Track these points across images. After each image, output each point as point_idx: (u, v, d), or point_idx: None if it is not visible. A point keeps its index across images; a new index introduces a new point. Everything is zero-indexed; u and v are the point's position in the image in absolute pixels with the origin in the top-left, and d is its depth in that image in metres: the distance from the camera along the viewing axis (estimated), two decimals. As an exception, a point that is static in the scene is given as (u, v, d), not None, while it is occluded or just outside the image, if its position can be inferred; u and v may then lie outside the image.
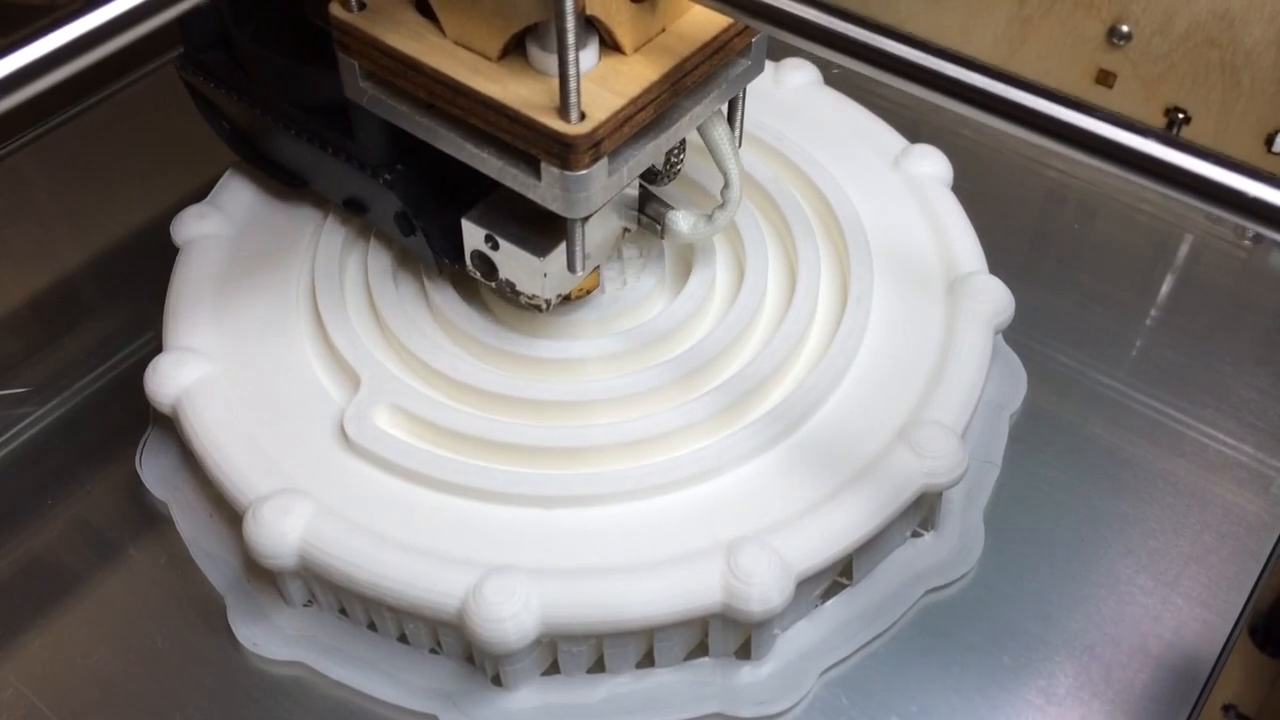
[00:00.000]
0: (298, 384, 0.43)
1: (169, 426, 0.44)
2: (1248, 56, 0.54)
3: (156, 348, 0.44)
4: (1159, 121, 0.58)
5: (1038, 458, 0.45)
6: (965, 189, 0.49)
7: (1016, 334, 0.48)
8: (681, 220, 0.42)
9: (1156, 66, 0.57)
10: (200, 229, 0.47)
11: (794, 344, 0.42)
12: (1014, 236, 0.54)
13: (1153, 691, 0.39)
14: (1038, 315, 0.50)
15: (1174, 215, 0.56)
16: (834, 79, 0.55)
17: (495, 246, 0.40)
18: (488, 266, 0.41)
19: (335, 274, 0.45)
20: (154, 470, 0.45)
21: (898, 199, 0.49)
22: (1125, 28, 0.57)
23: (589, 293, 0.43)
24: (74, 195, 0.57)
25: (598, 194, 0.36)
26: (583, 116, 0.34)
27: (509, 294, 0.41)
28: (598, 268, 0.43)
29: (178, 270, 0.46)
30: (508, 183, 0.37)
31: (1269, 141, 0.56)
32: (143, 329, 0.49)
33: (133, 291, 0.51)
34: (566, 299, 0.42)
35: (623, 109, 0.35)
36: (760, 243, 0.46)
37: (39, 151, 0.59)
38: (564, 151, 0.34)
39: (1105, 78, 0.59)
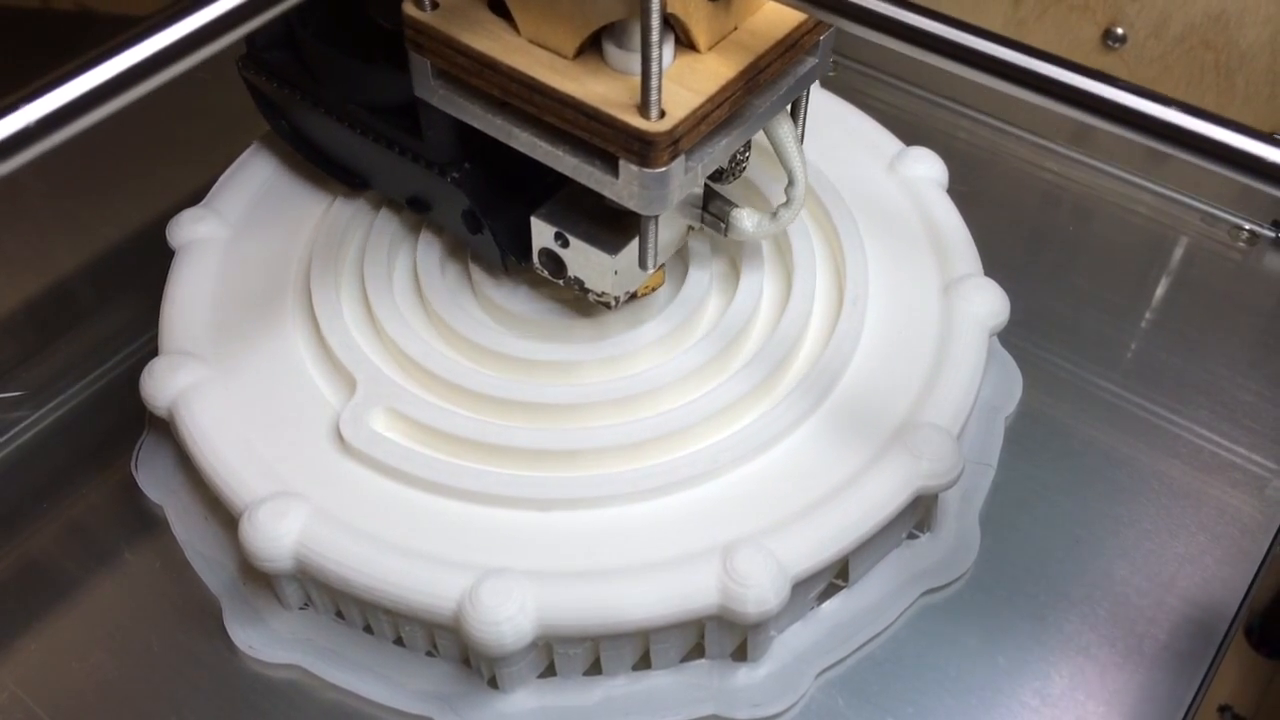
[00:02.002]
0: (293, 387, 0.43)
1: (165, 430, 0.44)
2: (1242, 59, 0.54)
3: (152, 351, 0.44)
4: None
5: (1033, 460, 0.45)
6: (960, 191, 0.50)
7: (1012, 336, 0.48)
8: (746, 218, 0.42)
9: (1151, 69, 0.57)
10: (196, 232, 0.47)
11: (789, 347, 0.42)
12: (1009, 239, 0.54)
13: (1148, 693, 0.39)
14: (1033, 317, 0.50)
15: (1169, 217, 0.56)
16: (829, 82, 0.56)
17: (565, 244, 0.40)
18: (556, 264, 0.41)
19: (331, 277, 0.45)
20: (150, 474, 0.45)
21: (893, 201, 0.49)
22: (1120, 30, 0.57)
23: (654, 290, 0.43)
24: (70, 199, 0.57)
25: (674, 191, 0.36)
26: (662, 114, 0.34)
27: (577, 291, 0.41)
28: (663, 266, 0.43)
29: (173, 273, 0.46)
30: (583, 180, 0.37)
31: (1263, 144, 0.56)
32: (139, 332, 0.49)
33: (128, 295, 0.51)
34: (633, 297, 0.42)
35: (700, 107, 0.35)
36: (755, 246, 0.46)
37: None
38: (644, 149, 0.34)
39: (1100, 80, 0.59)
